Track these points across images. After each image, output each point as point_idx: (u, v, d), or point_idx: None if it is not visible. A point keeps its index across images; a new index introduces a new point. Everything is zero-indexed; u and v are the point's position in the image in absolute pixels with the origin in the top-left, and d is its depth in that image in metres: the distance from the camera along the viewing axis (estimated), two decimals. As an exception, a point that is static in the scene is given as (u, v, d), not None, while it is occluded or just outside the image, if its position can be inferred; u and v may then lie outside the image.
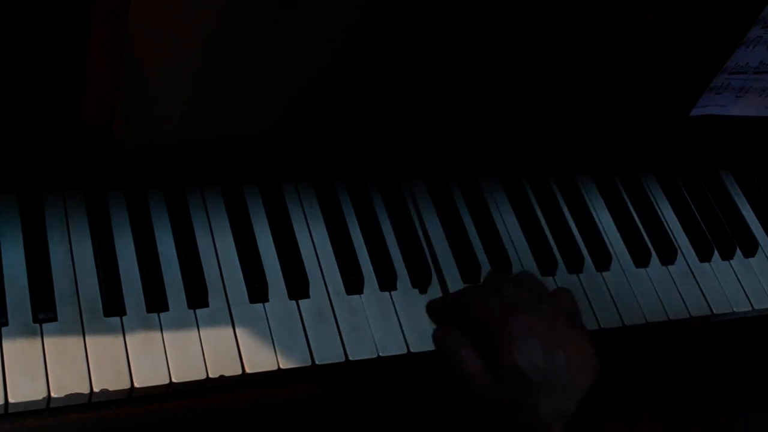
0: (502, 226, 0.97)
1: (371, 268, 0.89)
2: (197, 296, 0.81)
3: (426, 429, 0.97)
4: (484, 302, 0.74)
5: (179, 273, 0.82)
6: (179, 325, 0.79)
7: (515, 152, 0.98)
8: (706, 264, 1.02)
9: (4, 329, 0.74)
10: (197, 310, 0.80)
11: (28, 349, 0.74)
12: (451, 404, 0.87)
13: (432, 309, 0.79)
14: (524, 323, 0.72)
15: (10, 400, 0.71)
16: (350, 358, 0.82)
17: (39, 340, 0.75)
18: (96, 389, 0.73)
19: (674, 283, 0.99)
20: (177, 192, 0.87)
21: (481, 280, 0.91)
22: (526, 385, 0.71)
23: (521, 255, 0.95)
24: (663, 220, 1.05)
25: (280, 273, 0.85)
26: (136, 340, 0.77)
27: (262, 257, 0.85)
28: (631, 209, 1.04)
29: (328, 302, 0.85)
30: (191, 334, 0.79)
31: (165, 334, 0.78)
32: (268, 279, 0.84)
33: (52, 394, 0.72)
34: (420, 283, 0.89)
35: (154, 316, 0.79)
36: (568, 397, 0.71)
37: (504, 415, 0.73)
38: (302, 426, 0.87)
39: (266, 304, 0.83)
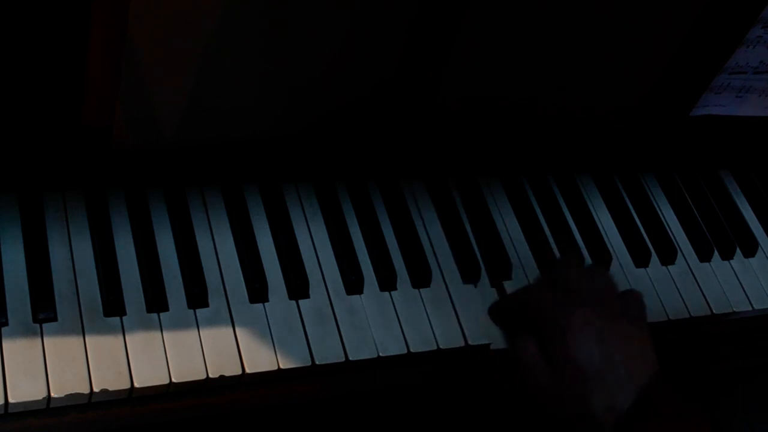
0: (502, 226, 0.97)
1: (371, 268, 0.89)
2: (197, 296, 0.81)
3: (425, 429, 0.98)
4: (546, 295, 0.77)
5: (179, 273, 0.82)
6: (179, 325, 0.79)
7: (515, 152, 0.98)
8: (706, 264, 1.02)
9: (4, 329, 0.74)
10: (197, 310, 0.81)
11: (28, 349, 0.74)
12: (514, 396, 0.87)
13: (494, 308, 0.82)
14: (583, 316, 0.74)
15: (10, 400, 0.71)
16: (350, 358, 0.82)
17: (39, 340, 0.75)
18: (96, 389, 0.74)
19: (674, 283, 0.99)
20: (177, 192, 0.87)
21: (481, 279, 0.91)
22: (580, 376, 0.72)
23: (521, 255, 0.95)
24: (663, 220, 1.05)
25: (280, 273, 0.85)
26: (136, 340, 0.77)
27: (262, 257, 0.85)
28: (631, 209, 1.04)
29: (328, 302, 0.85)
30: (191, 334, 0.79)
31: (165, 334, 0.78)
32: (268, 279, 0.84)
33: (52, 394, 0.72)
34: (420, 283, 0.89)
35: (154, 316, 0.79)
36: (622, 391, 0.72)
37: (557, 406, 0.74)
38: (302, 426, 0.87)
39: (266, 304, 0.83)
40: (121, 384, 0.75)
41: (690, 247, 1.03)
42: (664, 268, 1.00)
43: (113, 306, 0.78)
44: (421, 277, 0.89)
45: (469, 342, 0.87)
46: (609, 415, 0.72)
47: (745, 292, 1.01)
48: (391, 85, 0.83)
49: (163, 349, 0.77)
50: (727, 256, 1.04)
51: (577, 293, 0.77)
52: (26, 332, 0.75)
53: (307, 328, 0.83)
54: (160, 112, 0.77)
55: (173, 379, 0.76)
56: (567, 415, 0.74)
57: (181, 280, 0.82)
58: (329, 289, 0.86)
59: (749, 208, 1.11)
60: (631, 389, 0.72)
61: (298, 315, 0.83)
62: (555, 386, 0.74)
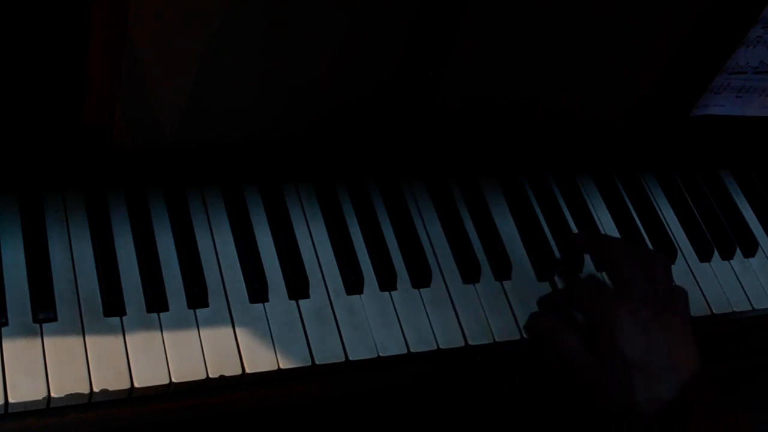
0: (502, 226, 0.97)
1: (371, 268, 0.89)
2: (197, 296, 0.81)
3: (425, 429, 0.97)
4: (594, 287, 0.81)
5: (179, 273, 0.82)
6: (179, 325, 0.79)
7: (515, 152, 0.98)
8: (706, 264, 1.02)
9: (4, 329, 0.74)
10: (197, 310, 0.81)
11: (28, 349, 0.74)
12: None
13: (543, 299, 0.87)
14: (630, 308, 0.76)
15: (10, 400, 0.71)
16: (350, 358, 0.82)
17: (39, 340, 0.75)
18: (96, 389, 0.74)
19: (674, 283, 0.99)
20: (177, 192, 0.87)
21: (480, 280, 0.91)
22: (624, 365, 0.74)
23: (521, 255, 0.95)
24: (663, 220, 1.05)
25: (280, 273, 0.85)
26: (136, 340, 0.77)
27: (262, 257, 0.85)
28: (631, 209, 1.04)
29: (328, 302, 0.85)
30: (191, 334, 0.79)
31: (165, 334, 0.78)
32: (268, 279, 0.84)
33: (52, 394, 0.72)
34: (420, 283, 0.89)
35: (154, 316, 0.79)
36: (664, 382, 0.74)
37: (600, 396, 0.76)
38: (302, 426, 0.87)
39: (266, 304, 0.83)
40: (121, 384, 0.75)
41: (690, 247, 1.03)
42: (664, 268, 1.00)
43: (113, 306, 0.78)
44: (421, 277, 0.89)
45: (469, 342, 0.87)
46: (651, 404, 0.73)
47: (745, 292, 1.01)
48: (391, 85, 0.83)
49: (163, 349, 0.77)
50: (727, 256, 1.04)
51: (626, 285, 0.79)
52: (26, 332, 0.75)
53: (307, 328, 0.82)
54: (160, 112, 0.77)
55: (173, 379, 0.76)
56: (609, 404, 0.76)
57: (181, 280, 0.82)
58: (329, 289, 0.86)
59: (749, 208, 1.11)
60: (673, 381, 0.74)
61: (298, 315, 0.83)
62: (599, 375, 0.76)
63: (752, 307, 1.00)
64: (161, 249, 0.83)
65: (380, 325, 0.85)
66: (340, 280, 0.87)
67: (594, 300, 0.79)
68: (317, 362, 0.81)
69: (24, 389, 0.72)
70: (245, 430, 0.82)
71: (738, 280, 1.02)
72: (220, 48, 0.74)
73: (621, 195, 1.05)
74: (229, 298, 0.82)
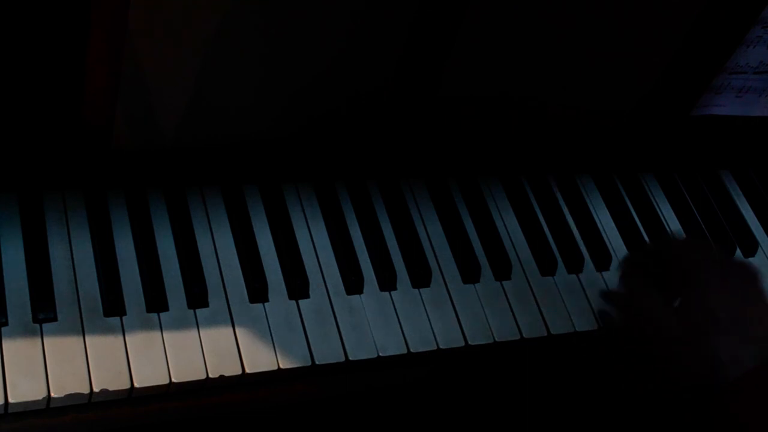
0: (502, 226, 0.97)
1: (371, 268, 0.89)
2: (197, 296, 0.81)
3: (425, 429, 0.97)
4: (692, 247, 0.83)
5: (179, 273, 0.82)
6: (179, 325, 0.79)
7: (515, 152, 0.98)
8: (706, 264, 1.02)
9: (4, 329, 0.74)
10: (197, 310, 0.81)
11: (28, 349, 0.74)
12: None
13: (627, 259, 0.89)
14: (724, 275, 0.79)
15: (10, 400, 0.71)
16: (350, 358, 0.82)
17: (39, 340, 0.75)
18: (96, 389, 0.74)
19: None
20: (177, 192, 0.87)
21: (480, 280, 0.91)
22: (712, 326, 0.76)
23: (521, 255, 0.95)
24: (663, 220, 1.05)
25: (280, 273, 0.85)
26: (136, 340, 0.77)
27: (262, 257, 0.85)
28: (631, 209, 1.04)
29: (328, 302, 0.85)
30: (191, 334, 0.79)
31: (165, 334, 0.78)
32: (268, 279, 0.84)
33: (52, 394, 0.72)
34: (420, 283, 0.89)
35: (154, 316, 0.79)
36: (750, 348, 0.75)
37: (681, 355, 0.76)
38: (302, 426, 0.87)
39: (266, 304, 0.83)
40: (121, 384, 0.75)
41: (690, 247, 1.03)
42: (664, 268, 1.00)
43: (113, 306, 0.78)
44: (421, 277, 0.89)
45: (469, 342, 0.87)
46: (734, 368, 0.74)
47: (745, 292, 1.01)
48: (392, 84, 0.83)
49: (163, 349, 0.77)
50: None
51: (719, 262, 0.81)
52: (26, 332, 0.75)
53: (307, 328, 0.82)
54: (160, 112, 0.78)
55: (173, 379, 0.76)
56: (691, 366, 0.76)
57: (181, 280, 0.82)
58: (329, 289, 0.86)
59: (749, 208, 1.11)
60: (758, 349, 0.75)
61: (298, 315, 0.83)
62: (685, 334, 0.76)
63: (752, 307, 1.00)
64: (161, 249, 0.83)
65: (380, 325, 0.85)
66: (340, 280, 0.87)
67: (689, 260, 0.80)
68: (317, 362, 0.81)
69: (24, 389, 0.72)
70: (245, 430, 0.82)
71: (738, 280, 1.02)
72: (220, 48, 0.74)
73: (621, 195, 1.05)
74: (229, 298, 0.82)
